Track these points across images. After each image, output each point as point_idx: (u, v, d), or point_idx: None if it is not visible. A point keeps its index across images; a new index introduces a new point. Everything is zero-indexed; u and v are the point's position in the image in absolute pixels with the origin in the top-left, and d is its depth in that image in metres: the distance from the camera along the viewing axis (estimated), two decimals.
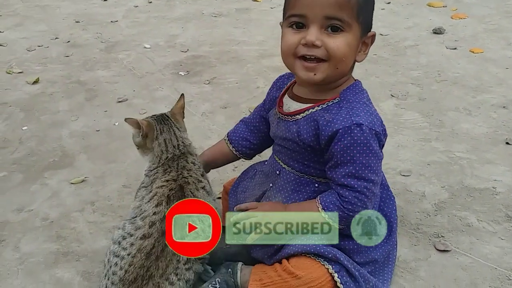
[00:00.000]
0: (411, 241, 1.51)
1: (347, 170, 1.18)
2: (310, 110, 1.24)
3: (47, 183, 1.85)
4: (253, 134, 1.51)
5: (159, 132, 1.47)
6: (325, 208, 1.22)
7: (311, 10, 1.14)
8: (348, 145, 1.16)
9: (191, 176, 1.39)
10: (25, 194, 1.79)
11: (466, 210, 1.63)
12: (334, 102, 1.23)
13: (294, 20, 1.19)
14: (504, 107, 2.21)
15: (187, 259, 1.25)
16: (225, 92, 2.46)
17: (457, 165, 1.85)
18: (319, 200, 1.24)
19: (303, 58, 1.18)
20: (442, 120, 2.14)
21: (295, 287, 1.19)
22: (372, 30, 1.24)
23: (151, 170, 1.45)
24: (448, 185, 1.74)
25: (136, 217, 1.32)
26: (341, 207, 1.20)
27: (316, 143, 1.22)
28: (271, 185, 1.35)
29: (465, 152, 1.91)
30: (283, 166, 1.33)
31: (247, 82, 2.56)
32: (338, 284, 1.19)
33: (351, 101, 1.21)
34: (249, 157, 1.55)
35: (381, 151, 1.24)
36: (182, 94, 1.58)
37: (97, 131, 2.17)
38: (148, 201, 1.33)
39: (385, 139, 1.26)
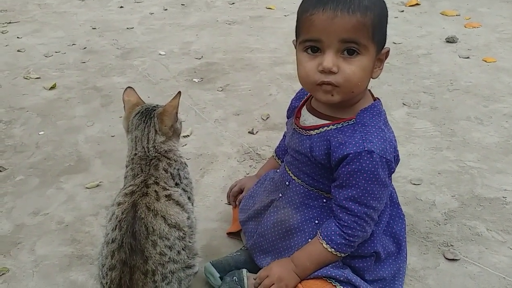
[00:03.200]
0: (420, 250, 1.52)
1: (350, 194, 1.19)
2: (324, 128, 1.24)
3: (63, 187, 1.89)
4: None
5: (133, 127, 1.37)
6: (330, 242, 1.23)
7: (326, 34, 1.13)
8: (356, 170, 1.16)
9: (157, 183, 1.29)
10: (41, 198, 1.83)
11: (475, 219, 1.63)
12: (350, 123, 1.22)
13: (309, 44, 1.17)
14: None
15: (164, 275, 1.20)
16: (238, 99, 2.49)
17: (468, 174, 1.85)
18: (321, 236, 1.24)
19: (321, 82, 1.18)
20: (453, 129, 2.15)
21: None
22: (386, 46, 1.24)
23: (126, 166, 1.38)
24: (458, 194, 1.75)
25: (104, 238, 1.26)
26: (342, 233, 1.21)
27: (327, 161, 1.22)
28: (280, 195, 1.36)
29: (476, 162, 1.92)
30: (293, 177, 1.33)
31: (260, 89, 2.58)
32: None
33: (366, 124, 1.20)
34: None
35: (390, 178, 1.24)
36: (179, 92, 1.38)
37: (112, 136, 2.21)
38: (109, 220, 1.27)
39: (397, 164, 1.27)
